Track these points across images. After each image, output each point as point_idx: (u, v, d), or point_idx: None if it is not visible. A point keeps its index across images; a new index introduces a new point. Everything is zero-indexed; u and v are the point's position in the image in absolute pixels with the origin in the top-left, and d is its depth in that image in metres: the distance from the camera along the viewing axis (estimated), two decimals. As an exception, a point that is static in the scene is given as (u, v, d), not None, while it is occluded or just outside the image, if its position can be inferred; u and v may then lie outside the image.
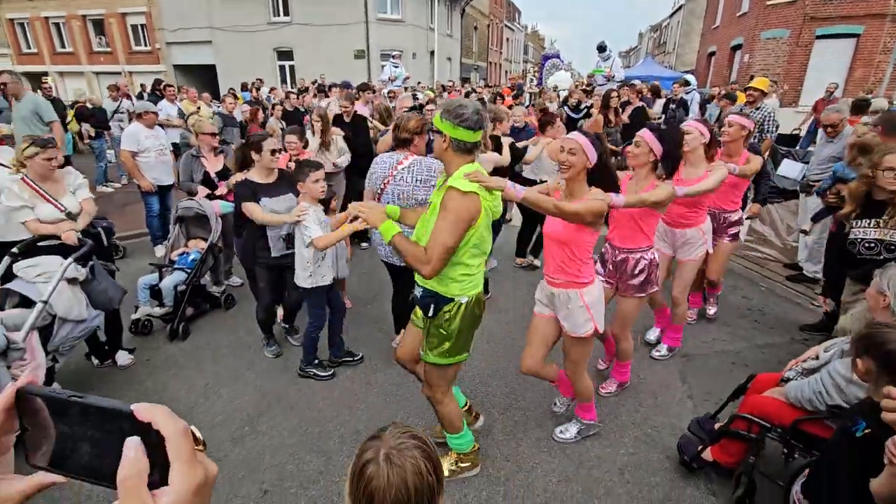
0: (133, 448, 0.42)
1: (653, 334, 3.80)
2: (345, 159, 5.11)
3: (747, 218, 4.75)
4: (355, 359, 3.50)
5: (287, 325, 3.83)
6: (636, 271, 2.78)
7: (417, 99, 8.28)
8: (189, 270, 3.95)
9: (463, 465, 2.48)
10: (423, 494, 1.01)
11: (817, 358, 2.36)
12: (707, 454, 2.47)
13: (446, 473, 2.38)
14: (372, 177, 3.15)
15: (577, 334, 2.40)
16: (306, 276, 3.06)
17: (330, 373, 3.33)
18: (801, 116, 9.78)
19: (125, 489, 0.41)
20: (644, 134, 2.64)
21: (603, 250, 2.95)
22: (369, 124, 5.88)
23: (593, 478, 2.51)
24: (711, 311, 4.15)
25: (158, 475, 0.42)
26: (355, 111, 5.71)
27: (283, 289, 3.54)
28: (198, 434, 0.46)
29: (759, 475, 2.28)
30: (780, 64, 14.91)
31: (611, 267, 2.89)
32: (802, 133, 8.77)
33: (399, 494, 0.99)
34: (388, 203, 2.85)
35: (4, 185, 3.13)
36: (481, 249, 2.10)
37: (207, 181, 4.33)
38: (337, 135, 5.14)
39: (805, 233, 4.38)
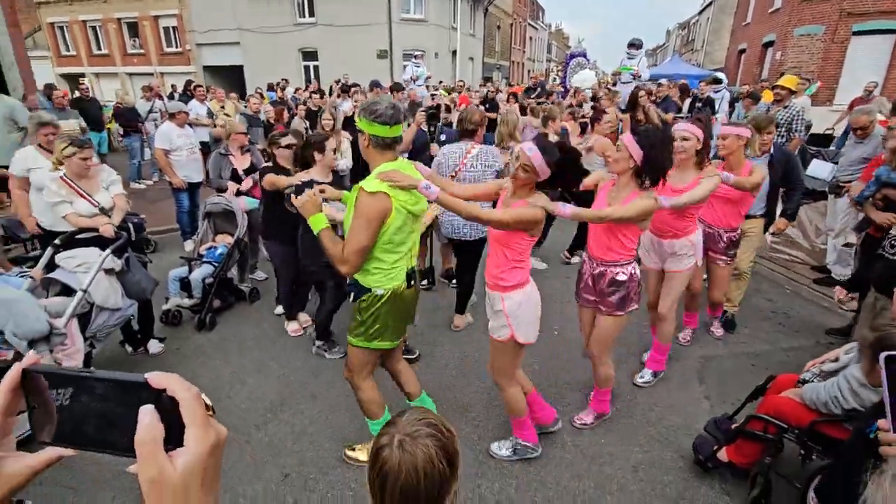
0: (148, 414, 0.45)
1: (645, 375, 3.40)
2: (344, 164, 5.04)
3: (772, 234, 4.55)
4: (413, 356, 3.51)
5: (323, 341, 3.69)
6: (613, 286, 2.52)
7: (434, 98, 8.36)
8: (216, 264, 4.11)
9: None
10: (434, 482, 1.03)
11: (837, 360, 2.33)
12: (722, 454, 2.46)
13: (364, 458, 2.50)
14: (440, 167, 3.46)
15: (494, 336, 2.37)
16: None
17: (340, 355, 3.45)
18: (834, 115, 9.46)
19: (143, 452, 0.45)
20: (624, 137, 2.39)
21: (582, 262, 2.74)
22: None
23: (605, 474, 2.53)
24: (718, 332, 3.86)
25: (173, 439, 0.46)
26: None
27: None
28: (207, 401, 0.49)
29: (776, 476, 2.27)
30: (813, 61, 14.42)
31: (589, 281, 2.64)
32: (836, 132, 8.49)
33: (409, 479, 1.01)
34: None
35: (45, 182, 3.33)
36: (397, 245, 2.13)
37: (235, 178, 4.52)
38: (345, 137, 5.21)
39: (849, 246, 4.23)
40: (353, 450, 2.60)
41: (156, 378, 0.47)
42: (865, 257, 3.69)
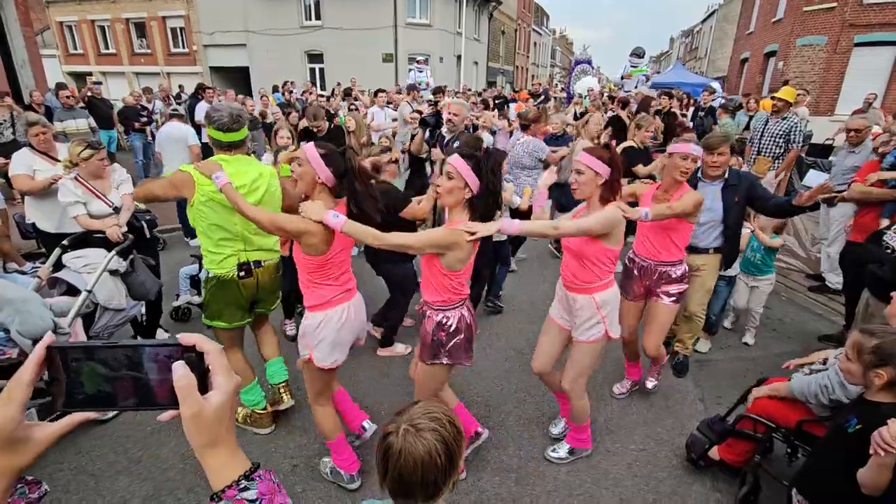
0: (181, 367, 0.59)
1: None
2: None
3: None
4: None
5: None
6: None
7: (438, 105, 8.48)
8: None
9: (251, 421, 2.82)
10: (430, 473, 1.10)
11: (824, 363, 2.41)
12: (714, 453, 2.56)
13: (240, 420, 2.82)
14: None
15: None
16: None
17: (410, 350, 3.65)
18: (835, 126, 9.57)
19: (184, 395, 0.58)
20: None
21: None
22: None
23: (601, 469, 2.63)
24: (650, 383, 3.23)
25: (199, 387, 0.59)
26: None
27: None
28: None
29: (764, 474, 2.36)
30: (815, 71, 14.55)
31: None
32: (836, 143, 8.59)
33: (407, 467, 1.09)
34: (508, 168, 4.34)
35: (59, 183, 3.37)
36: (217, 232, 2.46)
37: None
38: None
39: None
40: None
41: (185, 338, 0.61)
42: (849, 265, 3.81)
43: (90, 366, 0.59)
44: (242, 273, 2.51)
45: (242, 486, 0.60)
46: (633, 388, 3.28)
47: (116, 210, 3.50)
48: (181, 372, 0.58)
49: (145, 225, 3.92)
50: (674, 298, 2.87)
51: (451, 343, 2.17)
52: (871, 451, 1.50)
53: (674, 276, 2.85)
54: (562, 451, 2.69)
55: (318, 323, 2.17)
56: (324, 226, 2.02)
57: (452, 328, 2.16)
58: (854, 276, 3.83)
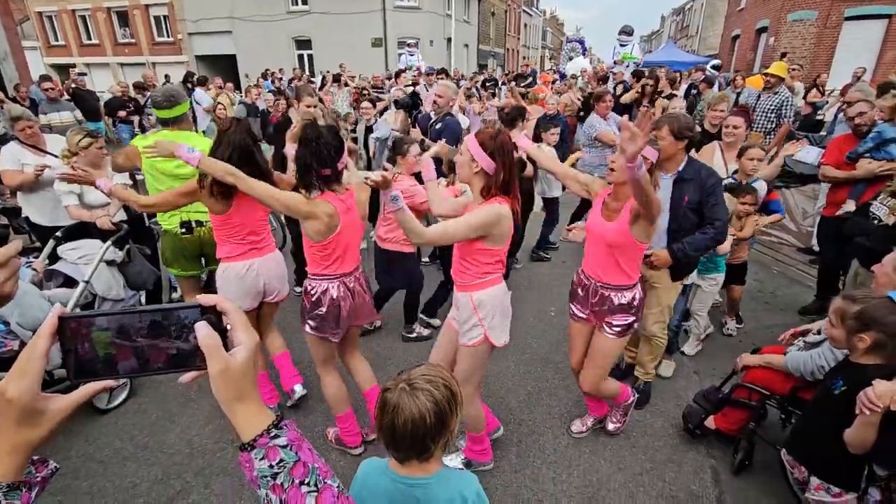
0: (204, 327, 0.61)
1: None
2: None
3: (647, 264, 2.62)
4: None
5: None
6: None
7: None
8: None
9: None
10: (419, 431, 1.17)
11: (819, 332, 2.46)
12: (710, 422, 2.63)
13: None
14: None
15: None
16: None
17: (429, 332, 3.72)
18: (825, 101, 9.58)
19: (210, 353, 0.60)
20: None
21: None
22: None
23: (600, 441, 2.70)
24: (611, 426, 2.73)
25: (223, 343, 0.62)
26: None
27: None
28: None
29: (759, 440, 2.44)
30: (806, 47, 14.51)
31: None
32: (827, 118, 8.62)
33: (397, 422, 1.17)
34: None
35: (55, 174, 3.32)
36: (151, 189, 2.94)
37: None
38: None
39: None
40: None
41: (205, 298, 0.63)
42: (828, 236, 3.88)
43: (105, 334, 0.60)
44: (184, 230, 2.93)
45: (273, 433, 0.63)
46: (597, 425, 2.77)
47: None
48: (205, 331, 0.61)
49: (145, 216, 3.92)
50: (618, 331, 2.32)
51: None
52: (857, 411, 1.56)
53: (617, 303, 2.29)
54: (456, 460, 2.48)
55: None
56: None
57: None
58: (830, 249, 3.92)
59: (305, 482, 0.62)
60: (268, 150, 6.20)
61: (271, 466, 0.61)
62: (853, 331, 1.76)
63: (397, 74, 10.39)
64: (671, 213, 2.59)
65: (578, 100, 8.09)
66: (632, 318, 2.32)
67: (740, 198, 3.26)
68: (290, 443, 0.63)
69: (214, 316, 0.62)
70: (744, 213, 3.31)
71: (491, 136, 1.94)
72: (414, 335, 3.72)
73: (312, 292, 2.26)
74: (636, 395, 2.74)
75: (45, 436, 0.59)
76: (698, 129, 3.96)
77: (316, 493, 0.62)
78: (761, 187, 3.42)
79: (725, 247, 3.06)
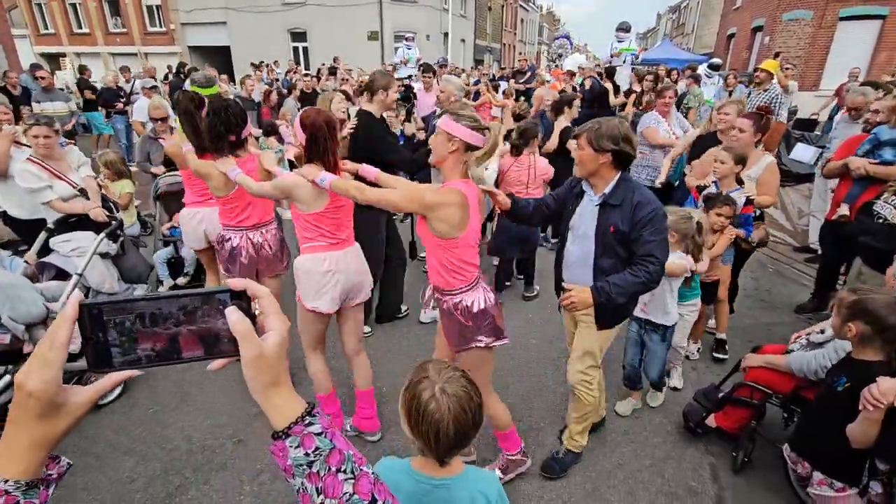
0: (234, 312, 0.58)
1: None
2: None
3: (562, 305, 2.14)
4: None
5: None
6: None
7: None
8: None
9: None
10: (476, 412, 1.18)
11: (823, 332, 2.47)
12: (711, 420, 2.63)
13: None
14: None
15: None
16: None
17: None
18: (821, 101, 9.66)
19: (243, 338, 0.58)
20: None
21: None
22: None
23: (598, 436, 2.70)
24: (498, 471, 2.36)
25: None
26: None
27: None
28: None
29: (760, 438, 2.45)
30: (801, 46, 14.59)
31: None
32: (821, 118, 8.68)
33: (458, 417, 1.14)
34: None
35: (16, 170, 3.22)
36: None
37: (168, 160, 4.06)
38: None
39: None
40: None
41: (235, 283, 0.60)
42: (831, 238, 3.87)
43: (127, 321, 0.56)
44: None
45: (307, 421, 0.62)
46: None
47: (83, 192, 3.31)
48: (236, 317, 0.58)
49: (139, 214, 3.86)
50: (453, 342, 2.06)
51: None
52: (860, 407, 1.57)
53: (445, 306, 2.02)
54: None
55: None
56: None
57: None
58: (834, 248, 3.93)
59: (342, 469, 0.61)
60: (264, 142, 6.15)
61: (307, 454, 0.60)
62: (845, 319, 1.81)
63: (394, 68, 10.33)
64: (596, 242, 2.08)
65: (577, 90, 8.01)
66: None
67: (715, 208, 2.95)
68: (324, 430, 0.62)
69: (244, 301, 0.60)
70: (719, 226, 2.98)
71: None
72: (534, 293, 4.21)
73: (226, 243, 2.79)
74: (530, 462, 2.40)
75: (65, 430, 0.56)
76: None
77: (353, 480, 0.61)
78: (741, 199, 3.06)
79: (703, 266, 2.76)
